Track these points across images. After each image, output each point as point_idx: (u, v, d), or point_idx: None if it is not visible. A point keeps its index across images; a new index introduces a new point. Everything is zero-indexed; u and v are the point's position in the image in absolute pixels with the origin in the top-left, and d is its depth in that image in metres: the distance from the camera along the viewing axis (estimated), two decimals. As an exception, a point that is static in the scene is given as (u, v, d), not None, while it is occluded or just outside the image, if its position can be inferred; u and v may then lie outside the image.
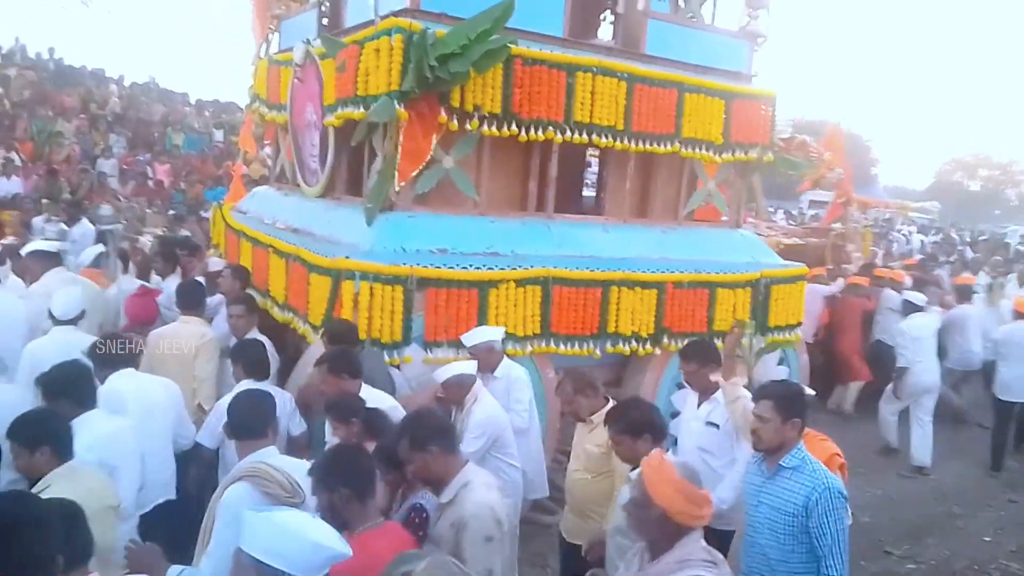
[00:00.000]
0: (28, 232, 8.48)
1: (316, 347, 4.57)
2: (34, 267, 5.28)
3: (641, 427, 3.26)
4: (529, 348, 4.97)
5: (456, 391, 4.07)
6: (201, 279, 5.52)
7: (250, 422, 3.01)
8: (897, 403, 6.96)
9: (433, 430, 2.88)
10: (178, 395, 3.91)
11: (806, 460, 3.05)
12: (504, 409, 4.22)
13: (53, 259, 5.35)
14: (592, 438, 3.83)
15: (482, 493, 2.75)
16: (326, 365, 3.85)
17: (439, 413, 3.40)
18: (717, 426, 4.00)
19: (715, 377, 4.01)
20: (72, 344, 3.94)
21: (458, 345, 4.66)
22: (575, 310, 5.09)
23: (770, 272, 5.95)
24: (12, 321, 4.46)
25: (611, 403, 3.85)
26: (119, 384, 3.56)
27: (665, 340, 5.46)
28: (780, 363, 6.16)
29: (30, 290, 5.09)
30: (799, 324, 6.20)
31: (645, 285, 5.33)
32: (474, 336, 4.40)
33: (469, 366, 4.14)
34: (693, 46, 5.94)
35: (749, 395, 3.74)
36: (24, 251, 5.60)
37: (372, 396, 3.82)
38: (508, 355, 4.85)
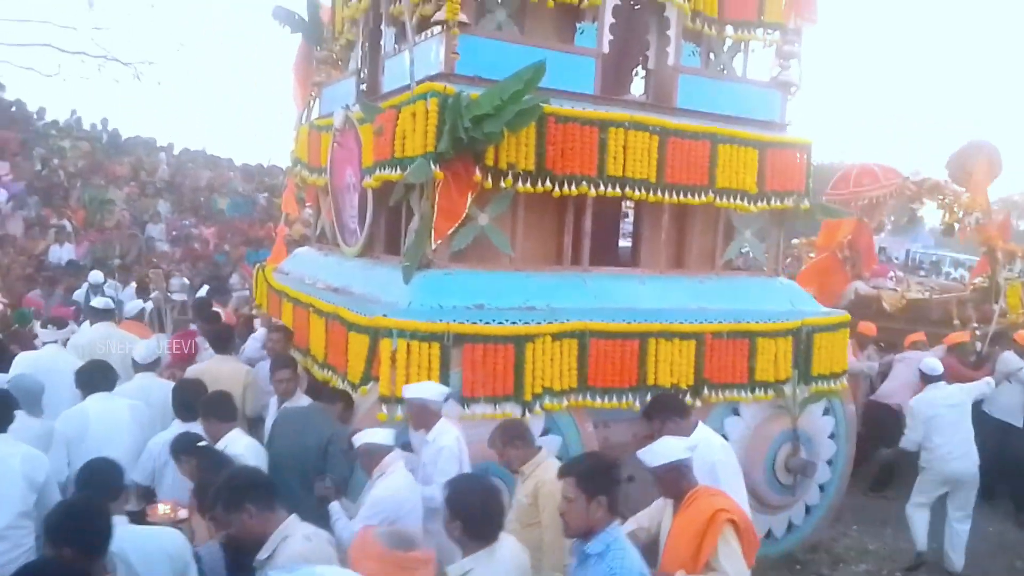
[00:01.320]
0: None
1: (357, 405, 4.61)
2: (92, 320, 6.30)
3: (596, 487, 2.93)
4: (566, 402, 4.94)
5: (366, 460, 3.96)
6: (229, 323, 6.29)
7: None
8: None
9: (246, 488, 2.89)
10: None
11: (611, 546, 2.79)
12: (426, 481, 4.06)
13: (106, 315, 6.35)
14: (522, 489, 3.86)
15: (299, 545, 2.75)
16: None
17: (255, 470, 3.43)
18: None
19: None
20: (147, 387, 5.03)
21: (496, 400, 4.67)
22: (612, 363, 5.06)
23: (812, 320, 5.86)
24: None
25: (543, 451, 3.93)
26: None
27: (706, 392, 5.38)
28: (825, 413, 6.02)
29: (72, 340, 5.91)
30: (844, 373, 6.07)
31: (683, 336, 5.29)
32: (411, 390, 4.18)
33: (386, 435, 4.00)
34: (725, 98, 5.99)
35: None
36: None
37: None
38: (546, 409, 4.84)
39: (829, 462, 6.05)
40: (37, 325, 6.37)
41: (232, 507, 2.83)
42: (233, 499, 2.84)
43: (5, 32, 28.81)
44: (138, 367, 5.24)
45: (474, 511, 2.95)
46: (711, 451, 3.88)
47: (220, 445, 4.04)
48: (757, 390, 5.58)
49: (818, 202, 6.69)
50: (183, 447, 3.86)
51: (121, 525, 2.95)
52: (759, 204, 5.90)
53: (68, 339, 5.89)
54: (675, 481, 3.36)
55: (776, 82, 6.30)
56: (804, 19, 6.35)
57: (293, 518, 2.96)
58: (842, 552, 6.31)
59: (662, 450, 3.36)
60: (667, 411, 3.98)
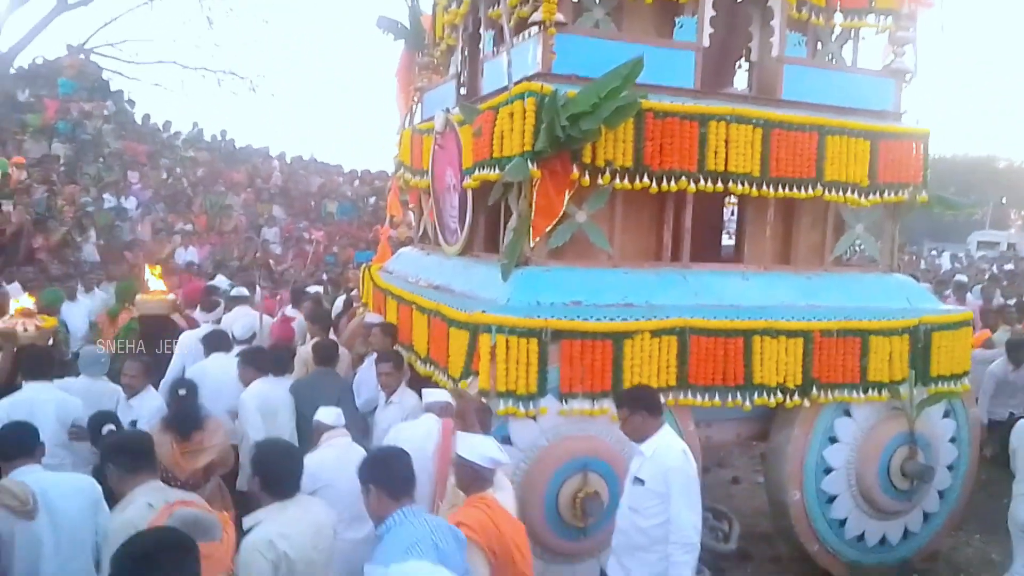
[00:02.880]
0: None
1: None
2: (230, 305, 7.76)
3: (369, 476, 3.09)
4: (666, 400, 4.87)
5: (315, 435, 4.40)
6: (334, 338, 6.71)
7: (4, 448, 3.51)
8: None
9: (110, 449, 3.34)
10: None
11: (389, 527, 2.93)
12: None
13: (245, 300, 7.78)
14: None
15: (132, 512, 3.01)
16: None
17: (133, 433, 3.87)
18: (643, 482, 3.79)
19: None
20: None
21: (593, 396, 4.66)
22: (714, 360, 4.95)
23: (930, 318, 5.55)
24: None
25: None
26: None
27: (814, 391, 5.19)
28: (946, 416, 5.69)
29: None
30: (966, 374, 5.72)
31: (790, 334, 5.12)
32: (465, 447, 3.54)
33: (332, 414, 4.40)
34: (833, 88, 5.77)
35: None
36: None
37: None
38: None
39: (950, 467, 5.72)
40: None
41: (101, 463, 3.41)
42: (101, 457, 3.41)
43: (135, 52, 31.00)
44: (237, 341, 6.21)
45: (270, 469, 3.26)
46: (668, 457, 3.77)
47: None
48: (870, 390, 5.34)
49: (937, 194, 6.33)
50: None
51: (39, 472, 3.50)
52: (871, 197, 5.65)
53: (220, 319, 7.45)
54: (467, 479, 3.39)
55: (889, 70, 6.01)
56: (919, 3, 6.03)
57: (152, 484, 3.21)
58: (963, 562, 5.96)
59: (472, 446, 3.39)
60: (638, 404, 3.90)
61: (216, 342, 6.00)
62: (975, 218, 38.46)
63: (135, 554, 2.21)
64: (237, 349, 5.93)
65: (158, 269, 7.81)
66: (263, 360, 5.50)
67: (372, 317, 6.88)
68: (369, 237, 15.84)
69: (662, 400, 4.01)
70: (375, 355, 5.66)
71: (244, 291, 8.11)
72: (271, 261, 13.34)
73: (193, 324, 7.32)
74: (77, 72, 19.53)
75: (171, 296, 7.49)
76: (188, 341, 6.41)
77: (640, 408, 3.88)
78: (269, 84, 42.37)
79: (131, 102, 20.76)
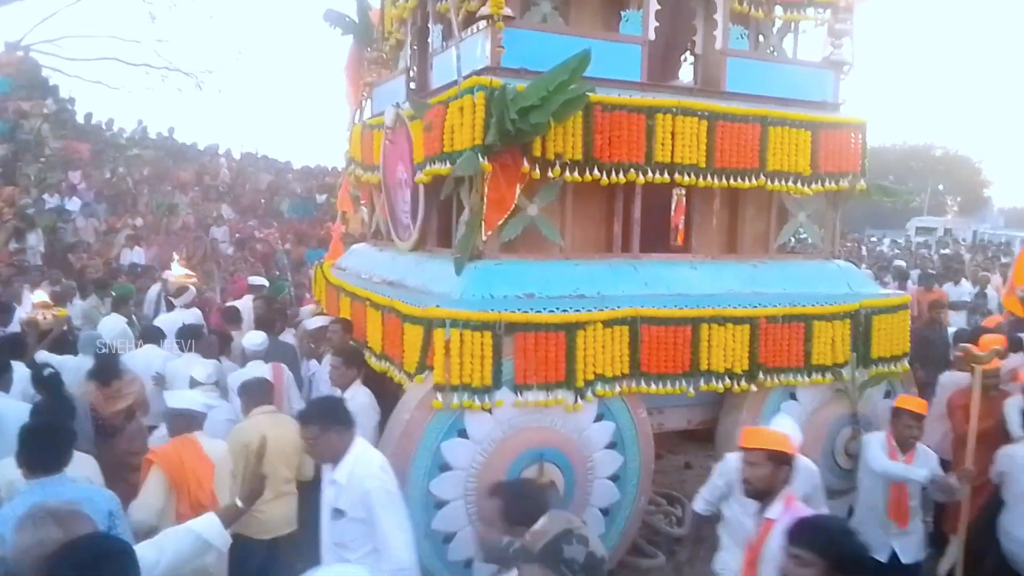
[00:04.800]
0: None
1: (412, 393, 4.74)
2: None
3: None
4: (619, 388, 4.97)
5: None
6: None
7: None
8: None
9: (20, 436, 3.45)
10: None
11: None
12: None
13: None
14: None
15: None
16: None
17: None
18: (343, 513, 3.41)
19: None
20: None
21: (548, 388, 4.73)
22: (665, 349, 5.06)
23: (870, 302, 5.75)
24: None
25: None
26: None
27: (761, 376, 5.34)
28: (887, 396, 5.90)
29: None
30: (905, 355, 5.94)
31: (737, 321, 5.26)
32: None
33: (192, 399, 4.50)
34: (775, 80, 5.92)
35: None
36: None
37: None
38: (599, 396, 4.89)
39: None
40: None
41: None
42: None
43: (75, 48, 30.09)
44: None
45: (31, 444, 3.43)
46: (365, 479, 3.43)
47: None
48: (814, 374, 5.52)
49: (876, 182, 6.55)
50: None
51: None
52: (813, 186, 5.82)
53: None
54: (179, 426, 4.18)
55: (828, 62, 6.19)
56: (856, -4, 6.21)
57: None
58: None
59: (181, 398, 4.31)
60: (331, 418, 3.58)
61: (151, 335, 6.97)
62: (913, 205, 39.76)
63: (76, 562, 2.08)
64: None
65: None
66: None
67: (316, 320, 6.92)
68: (321, 234, 15.70)
69: (351, 416, 3.70)
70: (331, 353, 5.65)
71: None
72: (220, 261, 13.14)
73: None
74: (15, 70, 18.97)
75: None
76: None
77: (333, 423, 3.53)
78: (216, 80, 41.52)
79: (72, 100, 20.18)
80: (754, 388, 5.34)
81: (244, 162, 20.56)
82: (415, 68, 6.73)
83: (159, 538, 2.81)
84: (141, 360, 6.51)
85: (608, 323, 4.90)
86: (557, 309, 4.80)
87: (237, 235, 15.41)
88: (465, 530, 4.69)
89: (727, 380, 5.26)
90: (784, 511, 3.31)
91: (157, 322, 7.76)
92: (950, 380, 5.22)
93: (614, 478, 5.06)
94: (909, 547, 4.75)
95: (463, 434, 4.66)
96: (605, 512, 5.08)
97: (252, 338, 6.23)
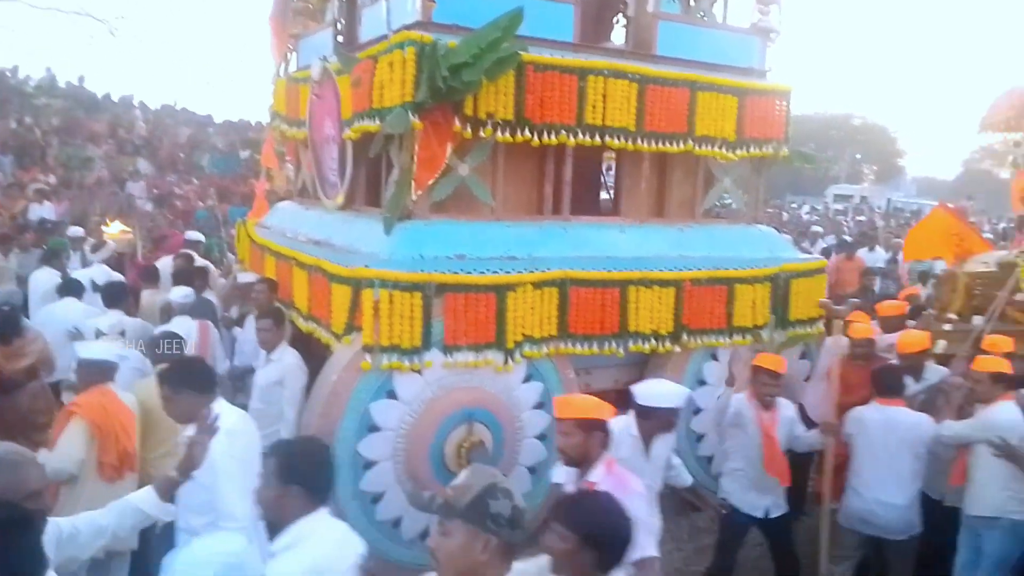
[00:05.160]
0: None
1: (340, 355, 4.68)
2: None
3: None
4: (547, 349, 5.02)
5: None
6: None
7: None
8: None
9: None
10: None
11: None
12: None
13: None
14: None
15: None
16: None
17: None
18: (192, 477, 3.05)
19: None
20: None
21: (478, 348, 4.74)
22: (593, 311, 5.14)
23: (789, 266, 5.95)
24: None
25: None
26: None
27: (685, 337, 5.48)
28: (803, 357, 6.15)
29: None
30: (820, 318, 6.18)
31: (663, 284, 5.36)
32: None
33: (104, 349, 4.36)
34: (704, 45, 5.97)
35: None
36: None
37: None
38: (528, 357, 4.94)
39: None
40: None
41: None
42: None
43: (-29, -14, 28.05)
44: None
45: None
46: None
47: None
48: (735, 335, 5.69)
49: (797, 149, 6.73)
50: None
51: None
52: (738, 152, 5.93)
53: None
54: (92, 377, 4.09)
55: (756, 28, 6.28)
56: (784, -36, 6.29)
57: None
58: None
59: (95, 348, 4.26)
60: (185, 382, 3.46)
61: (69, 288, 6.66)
62: (832, 173, 41.12)
63: None
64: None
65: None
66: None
67: (245, 276, 6.72)
68: (244, 192, 15.22)
69: (213, 378, 3.62)
70: (255, 314, 5.52)
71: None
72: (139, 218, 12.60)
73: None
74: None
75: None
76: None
77: (186, 386, 3.43)
78: (131, 27, 39.34)
79: (-30, 43, 18.87)
80: (678, 349, 5.48)
81: (162, 114, 19.70)
82: (343, 20, 6.52)
83: (107, 509, 2.87)
84: (60, 313, 6.31)
85: (538, 285, 4.93)
86: (488, 270, 4.80)
87: (155, 191, 14.79)
88: (393, 490, 4.70)
89: (653, 341, 5.38)
90: (606, 475, 3.22)
91: (95, 272, 7.55)
92: (834, 343, 5.34)
93: (542, 437, 5.14)
94: (780, 501, 4.67)
95: (392, 395, 4.64)
96: (532, 470, 5.17)
97: (178, 292, 6.06)
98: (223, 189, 15.57)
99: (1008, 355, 4.68)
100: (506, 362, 4.84)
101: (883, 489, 4.55)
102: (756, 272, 5.75)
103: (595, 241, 5.42)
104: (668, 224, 5.93)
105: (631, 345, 5.32)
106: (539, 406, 5.10)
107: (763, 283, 5.78)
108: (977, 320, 5.81)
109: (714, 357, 5.73)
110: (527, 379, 5.04)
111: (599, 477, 3.23)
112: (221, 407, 3.36)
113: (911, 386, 5.05)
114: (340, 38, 6.46)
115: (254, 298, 5.90)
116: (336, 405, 4.54)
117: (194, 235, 9.33)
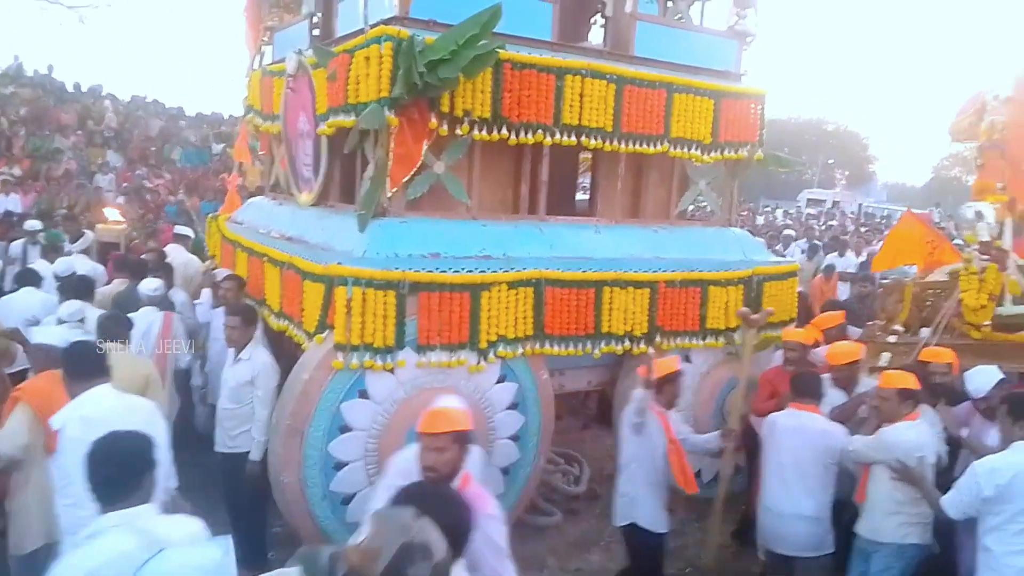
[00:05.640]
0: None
1: (312, 353, 4.62)
2: None
3: None
4: (522, 350, 5.00)
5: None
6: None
7: None
8: None
9: None
10: None
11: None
12: None
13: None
14: None
15: None
16: None
17: None
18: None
19: None
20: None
21: (452, 348, 4.71)
22: (568, 311, 5.12)
23: (762, 269, 5.99)
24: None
25: None
26: None
27: (658, 339, 5.49)
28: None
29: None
30: (792, 320, 6.23)
31: (637, 284, 5.37)
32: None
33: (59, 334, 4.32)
34: (682, 47, 5.99)
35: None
36: None
37: None
38: (502, 357, 4.91)
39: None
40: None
41: None
42: None
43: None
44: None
45: None
46: (67, 422, 3.40)
47: None
48: (708, 337, 5.72)
49: (772, 153, 6.77)
50: None
51: None
52: (713, 154, 5.96)
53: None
54: (43, 362, 4.07)
55: (732, 31, 6.31)
56: (761, -32, 6.32)
57: None
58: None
59: (46, 333, 4.30)
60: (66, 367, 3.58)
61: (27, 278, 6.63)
62: (805, 177, 41.57)
63: None
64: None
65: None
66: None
67: (222, 272, 6.60)
68: (216, 186, 15.01)
69: (93, 365, 3.60)
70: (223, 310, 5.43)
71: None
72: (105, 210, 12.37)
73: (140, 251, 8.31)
74: None
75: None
76: None
77: (79, 377, 3.55)
78: (102, 16, 38.72)
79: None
80: (651, 351, 5.48)
81: (132, 106, 19.33)
82: (319, 13, 6.44)
83: None
84: (19, 303, 6.25)
85: (513, 284, 4.90)
86: (462, 269, 4.76)
87: (125, 184, 14.53)
88: (365, 491, 4.65)
89: (627, 343, 5.38)
90: (463, 491, 2.95)
91: (58, 264, 7.27)
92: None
93: (515, 438, 5.12)
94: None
95: (364, 395, 4.59)
96: (505, 472, 5.14)
97: (148, 284, 5.95)
98: (194, 183, 15.34)
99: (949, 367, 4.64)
100: (479, 362, 4.80)
101: (790, 500, 4.33)
102: (729, 275, 5.78)
103: (570, 241, 5.41)
104: (643, 225, 5.93)
105: (605, 346, 5.31)
106: (513, 407, 5.07)
107: (736, 285, 5.80)
108: (924, 332, 5.70)
109: (687, 359, 5.74)
110: (501, 379, 5.01)
111: None
112: (98, 394, 3.50)
113: (837, 399, 4.87)
114: (316, 31, 6.39)
115: (221, 295, 5.80)
116: (307, 404, 4.47)
117: (183, 230, 9.08)
